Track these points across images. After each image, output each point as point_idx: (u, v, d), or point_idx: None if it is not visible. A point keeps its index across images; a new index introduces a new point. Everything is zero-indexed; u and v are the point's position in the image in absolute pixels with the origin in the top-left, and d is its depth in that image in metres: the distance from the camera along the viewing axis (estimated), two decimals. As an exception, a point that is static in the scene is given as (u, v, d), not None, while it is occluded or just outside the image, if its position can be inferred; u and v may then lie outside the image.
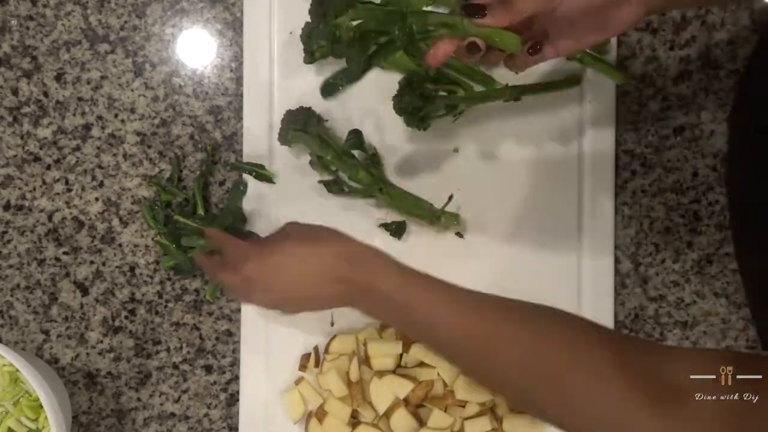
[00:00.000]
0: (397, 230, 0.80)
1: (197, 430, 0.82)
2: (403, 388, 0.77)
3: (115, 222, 0.81)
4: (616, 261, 0.80)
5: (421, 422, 0.77)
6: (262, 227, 0.80)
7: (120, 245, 0.81)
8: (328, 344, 0.80)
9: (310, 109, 0.78)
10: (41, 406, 0.71)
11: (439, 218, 0.78)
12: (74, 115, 0.80)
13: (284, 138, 0.77)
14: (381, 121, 0.79)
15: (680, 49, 0.80)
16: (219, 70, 0.80)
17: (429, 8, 0.63)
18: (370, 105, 0.79)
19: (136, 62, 0.80)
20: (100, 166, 0.80)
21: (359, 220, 0.80)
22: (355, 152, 0.77)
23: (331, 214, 0.80)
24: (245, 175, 0.80)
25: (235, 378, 0.81)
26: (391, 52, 0.74)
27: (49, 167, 0.80)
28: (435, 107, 0.74)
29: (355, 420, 0.78)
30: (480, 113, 0.78)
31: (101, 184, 0.80)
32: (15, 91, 0.80)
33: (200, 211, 0.79)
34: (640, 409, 0.50)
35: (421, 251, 0.80)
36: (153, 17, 0.80)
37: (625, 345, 0.55)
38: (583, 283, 0.79)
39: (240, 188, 0.79)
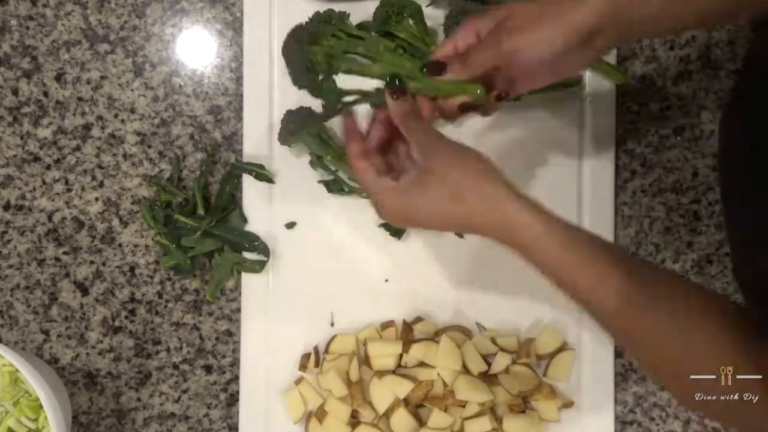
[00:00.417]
0: (397, 230, 0.80)
1: (197, 430, 0.82)
2: (403, 388, 0.77)
3: (115, 222, 0.81)
4: (616, 261, 0.80)
5: (421, 422, 0.77)
6: (262, 227, 0.80)
7: (120, 245, 0.81)
8: (328, 344, 0.80)
9: (310, 109, 0.78)
10: (41, 406, 0.71)
11: (439, 218, 0.78)
12: (74, 115, 0.80)
13: (284, 138, 0.77)
14: (381, 121, 0.79)
15: (680, 49, 0.80)
16: (219, 70, 0.80)
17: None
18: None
19: (136, 62, 0.80)
20: (100, 166, 0.80)
21: (359, 220, 0.80)
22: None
23: (331, 214, 0.80)
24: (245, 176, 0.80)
25: (235, 378, 0.81)
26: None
27: (49, 167, 0.80)
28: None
29: (355, 420, 0.78)
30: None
31: (101, 184, 0.80)
32: (15, 91, 0.80)
33: (200, 211, 0.79)
34: None
35: (421, 251, 0.80)
36: (153, 17, 0.80)
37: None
38: (583, 283, 0.79)
39: (234, 179, 0.79)
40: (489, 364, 0.78)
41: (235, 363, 0.81)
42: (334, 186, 0.78)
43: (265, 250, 0.79)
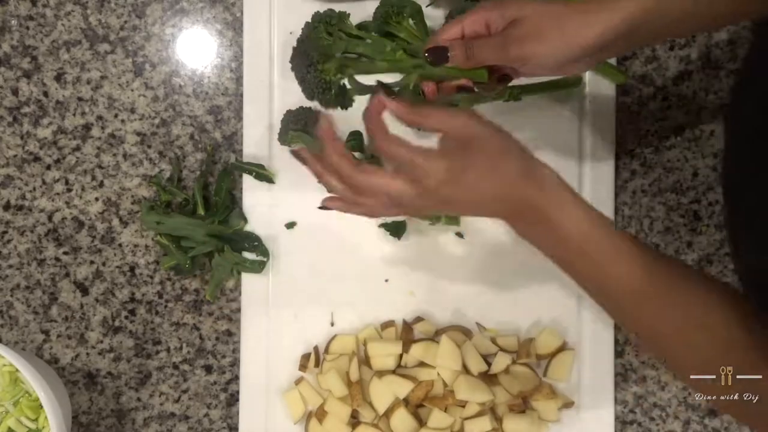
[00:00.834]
0: (397, 230, 0.79)
1: (197, 430, 0.82)
2: (403, 388, 0.77)
3: (115, 222, 0.81)
4: (616, 261, 0.80)
5: (421, 422, 0.77)
6: (262, 227, 0.80)
7: (120, 245, 0.81)
8: (328, 344, 0.80)
9: (310, 109, 0.78)
10: (41, 406, 0.71)
11: (439, 218, 0.78)
12: (74, 115, 0.80)
13: (284, 138, 0.77)
14: (381, 121, 0.79)
15: (680, 49, 0.80)
16: (219, 70, 0.80)
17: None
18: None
19: (136, 62, 0.80)
20: (100, 166, 0.80)
21: (359, 220, 0.80)
22: (356, 153, 0.77)
23: (331, 214, 0.80)
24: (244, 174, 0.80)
25: (235, 378, 0.81)
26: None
27: (49, 167, 0.80)
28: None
29: (355, 420, 0.78)
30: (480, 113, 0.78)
31: (101, 184, 0.80)
32: (15, 91, 0.80)
33: (200, 211, 0.79)
34: None
35: (421, 251, 0.80)
36: (153, 17, 0.80)
37: None
38: (583, 283, 0.79)
39: (229, 175, 0.79)
40: (489, 364, 0.78)
41: (235, 363, 0.81)
42: (334, 186, 0.78)
43: (264, 251, 0.79)
